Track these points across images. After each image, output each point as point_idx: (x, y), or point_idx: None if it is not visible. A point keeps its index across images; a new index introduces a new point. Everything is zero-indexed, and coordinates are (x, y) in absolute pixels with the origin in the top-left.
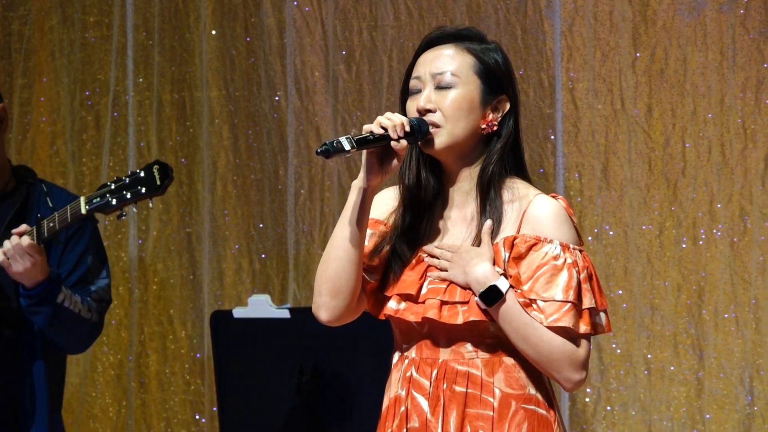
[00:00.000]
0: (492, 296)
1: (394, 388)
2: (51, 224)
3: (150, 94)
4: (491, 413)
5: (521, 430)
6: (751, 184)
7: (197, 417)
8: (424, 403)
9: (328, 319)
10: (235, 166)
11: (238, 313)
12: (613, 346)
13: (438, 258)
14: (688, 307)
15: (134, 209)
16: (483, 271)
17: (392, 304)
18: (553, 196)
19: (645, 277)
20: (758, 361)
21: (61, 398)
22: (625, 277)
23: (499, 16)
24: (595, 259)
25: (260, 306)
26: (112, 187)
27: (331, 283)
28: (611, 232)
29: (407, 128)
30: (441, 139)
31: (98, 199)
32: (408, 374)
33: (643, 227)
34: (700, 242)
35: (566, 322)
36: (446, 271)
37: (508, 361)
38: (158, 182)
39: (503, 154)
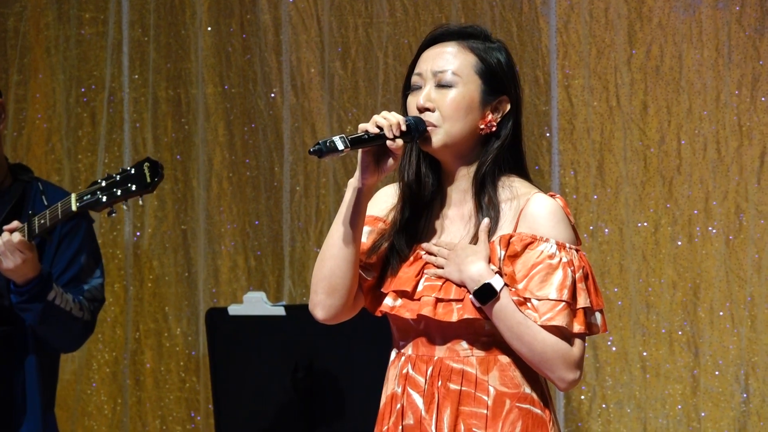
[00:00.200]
0: (486, 294)
1: (390, 385)
2: (42, 221)
3: (145, 90)
4: (485, 411)
5: (515, 429)
6: (746, 181)
7: (192, 414)
8: (419, 401)
9: (325, 318)
10: (230, 163)
11: (234, 310)
12: (609, 343)
13: (435, 255)
14: (683, 305)
15: (125, 206)
16: (477, 269)
17: (388, 301)
18: (551, 195)
19: (640, 275)
20: (753, 359)
21: (53, 397)
22: (620, 274)
23: (494, 13)
24: (590, 256)
25: (256, 303)
26: (103, 184)
27: (327, 282)
28: (606, 230)
29: (403, 127)
30: (438, 138)
31: (89, 196)
32: (404, 371)
33: (639, 224)
34: (696, 239)
35: (560, 321)
36: (443, 268)
37: (503, 359)
38: (148, 179)
39: (500, 154)
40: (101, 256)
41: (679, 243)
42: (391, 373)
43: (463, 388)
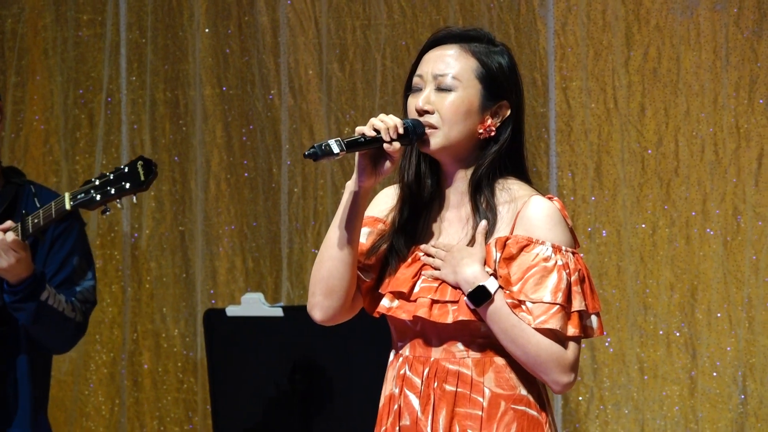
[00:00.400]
0: (480, 296)
1: (389, 385)
2: (36, 220)
3: (143, 92)
4: (480, 413)
5: (510, 431)
6: (744, 183)
7: (190, 415)
8: (415, 402)
9: (322, 319)
10: (228, 165)
11: (232, 311)
12: (606, 345)
13: (433, 257)
14: (681, 306)
15: (119, 204)
16: (472, 271)
17: (385, 302)
18: (549, 198)
19: (638, 277)
20: (751, 360)
21: (46, 398)
22: (618, 276)
23: (492, 15)
24: (588, 258)
25: (253, 304)
26: (96, 183)
27: (325, 284)
28: (604, 232)
29: (400, 130)
30: (436, 141)
31: (82, 195)
32: (402, 372)
33: (636, 226)
34: (693, 241)
35: (553, 324)
36: (439, 270)
37: (499, 361)
38: (142, 178)
39: (497, 158)
40: (93, 258)
41: (677, 245)
42: (390, 374)
43: (458, 390)
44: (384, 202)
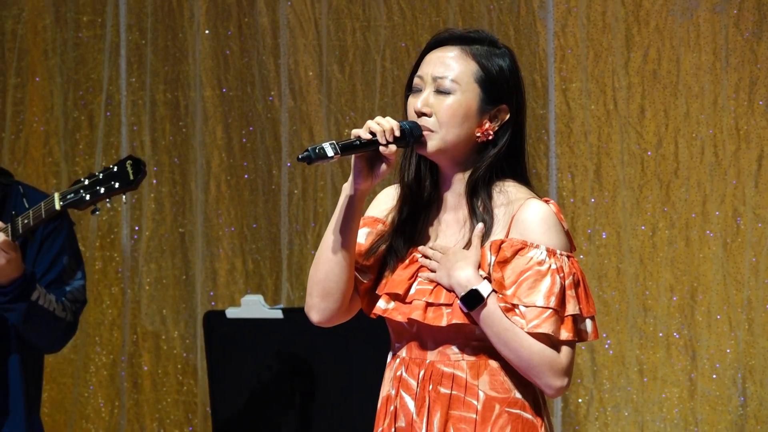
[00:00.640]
0: (473, 300)
1: (386, 387)
2: (25, 221)
3: (143, 93)
4: (474, 416)
5: None
6: (744, 184)
7: (190, 417)
8: (410, 403)
9: (320, 321)
10: (228, 166)
11: (231, 313)
12: (606, 347)
13: (430, 259)
14: (680, 308)
15: (108, 204)
16: (465, 275)
17: (381, 304)
18: (546, 201)
19: (638, 278)
20: (751, 362)
21: (39, 399)
22: (617, 278)
23: (492, 17)
24: (587, 260)
25: (253, 306)
26: (86, 182)
27: (322, 286)
28: (604, 233)
29: (397, 133)
30: (433, 143)
31: (72, 195)
32: (398, 373)
33: (636, 228)
34: (693, 243)
35: (546, 328)
36: (435, 272)
37: (494, 364)
38: (131, 177)
39: (495, 162)
40: (82, 257)
41: (677, 246)
42: (387, 375)
43: (453, 392)
44: (384, 202)
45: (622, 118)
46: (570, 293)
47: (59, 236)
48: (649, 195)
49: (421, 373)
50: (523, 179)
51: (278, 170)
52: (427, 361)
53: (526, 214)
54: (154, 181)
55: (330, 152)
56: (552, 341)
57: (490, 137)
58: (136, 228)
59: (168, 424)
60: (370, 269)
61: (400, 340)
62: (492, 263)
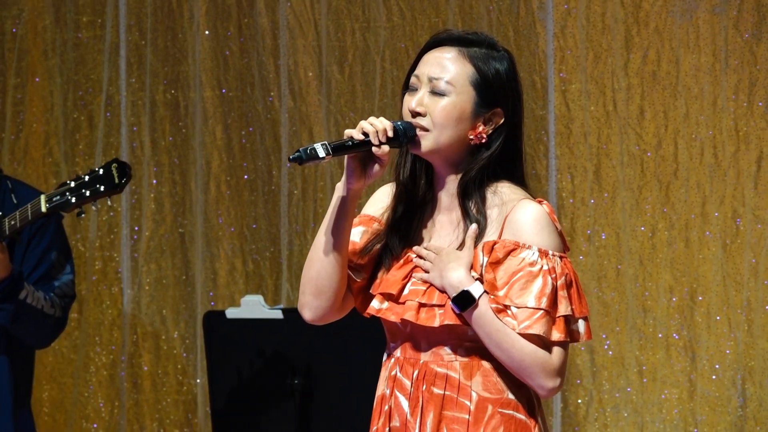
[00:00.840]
0: (464, 301)
1: (381, 386)
2: (12, 222)
3: (143, 94)
4: (467, 416)
5: None
6: (743, 186)
7: (190, 417)
8: (404, 403)
9: (312, 318)
10: (228, 167)
11: (231, 313)
12: (605, 348)
13: (424, 259)
14: (680, 309)
15: (94, 207)
16: (457, 276)
17: (375, 304)
18: (539, 201)
19: (637, 279)
20: (750, 363)
21: (29, 394)
22: (617, 279)
23: (491, 18)
24: (587, 260)
25: (253, 306)
26: (72, 185)
27: (314, 284)
28: (603, 234)
29: (390, 133)
30: (427, 143)
31: (58, 197)
32: (393, 373)
33: (636, 229)
34: (693, 244)
35: (537, 329)
36: (429, 272)
37: (487, 365)
38: (117, 180)
39: (487, 165)
40: (71, 252)
41: (676, 247)
42: (382, 375)
43: (446, 393)
44: (380, 200)
45: (621, 119)
46: (562, 294)
47: (47, 232)
48: (649, 196)
49: (415, 373)
50: (519, 181)
51: (278, 171)
52: (421, 362)
53: (518, 215)
54: (154, 182)
55: (321, 153)
56: (544, 342)
57: (484, 140)
58: (136, 228)
59: (168, 424)
60: (364, 268)
61: (395, 340)
62: (484, 264)
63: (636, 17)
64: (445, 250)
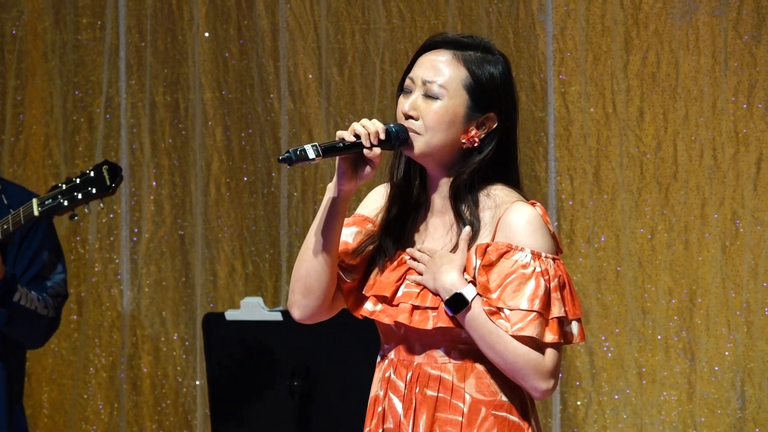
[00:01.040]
0: (457, 304)
1: (375, 387)
2: (5, 226)
3: (143, 96)
4: (460, 418)
5: None
6: (743, 188)
7: (189, 419)
8: (398, 405)
9: (301, 317)
10: (228, 168)
11: (231, 315)
12: (605, 350)
13: (418, 261)
14: (679, 311)
15: (86, 210)
16: (450, 279)
17: (368, 306)
18: (532, 203)
19: (636, 281)
20: (749, 365)
21: (21, 393)
22: (616, 281)
23: (491, 20)
24: (586, 262)
25: (253, 308)
26: (64, 188)
27: (303, 283)
28: (603, 236)
29: (382, 136)
30: (419, 146)
31: (50, 200)
32: (387, 375)
33: (635, 231)
34: (692, 246)
35: (530, 331)
36: (422, 275)
37: (480, 367)
38: (108, 182)
39: (478, 169)
40: (62, 251)
41: (676, 249)
42: (376, 376)
43: (439, 395)
44: (375, 201)
45: (621, 121)
46: (555, 296)
47: (38, 232)
48: (648, 198)
49: (409, 375)
50: (514, 183)
51: (278, 173)
52: (415, 364)
53: (511, 217)
54: (154, 184)
55: (311, 154)
56: (537, 344)
57: (476, 144)
58: (136, 230)
59: (167, 426)
60: (356, 269)
61: (389, 341)
62: (477, 267)
63: (635, 19)
64: (439, 252)
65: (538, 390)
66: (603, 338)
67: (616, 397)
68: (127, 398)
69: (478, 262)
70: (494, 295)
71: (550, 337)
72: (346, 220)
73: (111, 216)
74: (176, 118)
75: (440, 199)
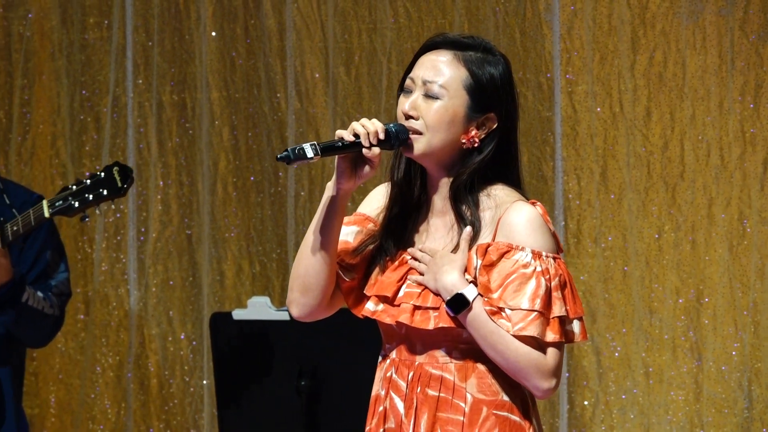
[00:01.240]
0: (458, 304)
1: (376, 387)
2: (15, 228)
3: (150, 95)
4: (461, 418)
5: None
6: (749, 187)
7: (196, 419)
8: (399, 405)
9: (299, 315)
10: (235, 168)
11: (238, 314)
12: (612, 349)
13: (419, 261)
14: (686, 311)
15: (97, 211)
16: (451, 279)
17: (370, 305)
18: (532, 203)
19: (644, 281)
20: (757, 365)
21: (21, 391)
22: (623, 280)
23: (498, 19)
24: (593, 262)
25: (260, 308)
26: (74, 189)
27: (301, 281)
28: (610, 236)
29: (381, 136)
30: (419, 146)
31: (60, 202)
32: (388, 374)
33: (642, 231)
34: (699, 246)
35: (531, 331)
36: (423, 275)
37: (482, 367)
38: (119, 184)
39: (479, 169)
40: (65, 250)
41: (683, 249)
42: (377, 375)
43: (441, 395)
44: (377, 200)
45: (627, 120)
46: (556, 295)
47: (40, 232)
48: (655, 198)
49: (410, 374)
50: (515, 183)
51: (285, 172)
52: (416, 363)
53: (511, 217)
54: (161, 183)
55: (310, 153)
56: (539, 343)
57: (476, 144)
58: (143, 230)
59: (174, 425)
60: (356, 268)
61: (390, 341)
62: (478, 267)
63: (642, 18)
64: (440, 252)
65: (540, 389)
66: (610, 338)
67: (623, 396)
68: (134, 398)
69: (479, 262)
70: (495, 295)
71: (551, 336)
72: (348, 219)
73: (118, 215)
74: (183, 118)
75: (440, 199)
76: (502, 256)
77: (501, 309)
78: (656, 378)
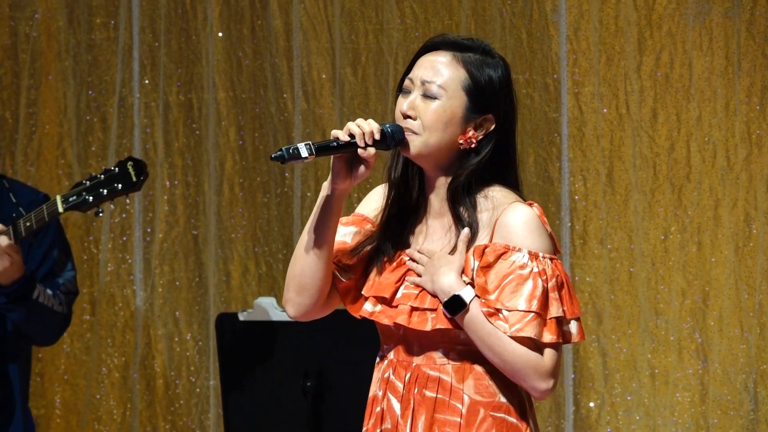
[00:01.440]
0: (455, 306)
1: (373, 388)
2: (28, 223)
3: (156, 95)
4: (458, 419)
5: None
6: (756, 189)
7: (202, 419)
8: (396, 406)
9: (295, 315)
10: (241, 168)
11: (244, 315)
12: (617, 351)
13: (417, 262)
14: (692, 313)
15: (111, 206)
16: (448, 281)
17: (368, 306)
18: (529, 204)
19: (649, 283)
20: (762, 367)
21: (28, 391)
22: (629, 282)
23: (504, 20)
24: (599, 263)
25: (266, 308)
26: (87, 184)
27: (297, 281)
28: (616, 237)
29: (377, 136)
30: (416, 146)
31: (74, 197)
32: (386, 375)
33: (648, 232)
34: (705, 247)
35: (529, 332)
36: (421, 276)
37: (479, 368)
38: (134, 178)
39: (475, 171)
40: (71, 249)
41: (689, 250)
42: (375, 376)
43: (438, 396)
44: (375, 200)
45: (634, 121)
46: (553, 296)
47: (48, 231)
48: (661, 199)
49: (408, 375)
50: (512, 185)
51: (291, 173)
52: (414, 365)
53: (508, 218)
54: (167, 184)
55: (304, 153)
56: (536, 344)
57: (473, 145)
58: (149, 230)
59: (180, 426)
60: (353, 269)
61: (388, 342)
62: (475, 268)
63: (649, 20)
64: (437, 254)
65: (537, 390)
66: (616, 339)
67: (629, 398)
68: (140, 398)
69: (476, 263)
70: (492, 297)
71: (548, 337)
72: (346, 220)
73: (124, 216)
74: (190, 118)
75: (438, 200)
76: (499, 257)
77: (498, 310)
78: (662, 379)
